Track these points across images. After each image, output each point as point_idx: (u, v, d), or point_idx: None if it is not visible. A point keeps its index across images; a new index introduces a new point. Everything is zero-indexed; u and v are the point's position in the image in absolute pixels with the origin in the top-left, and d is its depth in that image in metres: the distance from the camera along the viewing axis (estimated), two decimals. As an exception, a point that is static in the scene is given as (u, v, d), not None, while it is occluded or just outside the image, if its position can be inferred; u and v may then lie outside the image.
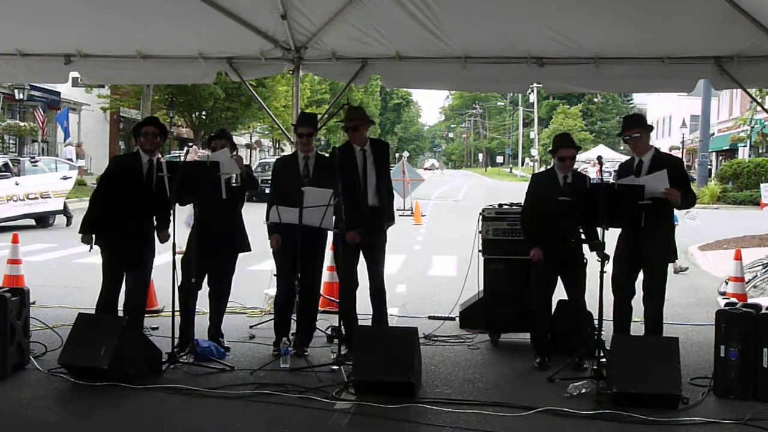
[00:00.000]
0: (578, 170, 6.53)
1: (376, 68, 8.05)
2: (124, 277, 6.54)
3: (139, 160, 6.48)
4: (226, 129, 7.95)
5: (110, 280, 6.48)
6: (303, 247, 6.20)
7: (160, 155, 6.64)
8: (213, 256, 6.53)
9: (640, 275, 6.21)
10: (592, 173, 27.25)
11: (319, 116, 7.81)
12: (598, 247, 5.95)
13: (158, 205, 6.42)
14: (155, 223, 6.58)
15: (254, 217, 6.89)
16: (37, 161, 19.42)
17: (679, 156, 27.96)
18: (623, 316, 6.22)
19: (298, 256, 6.12)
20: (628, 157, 6.62)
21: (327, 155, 6.84)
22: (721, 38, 7.03)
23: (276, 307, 6.78)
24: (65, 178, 18.54)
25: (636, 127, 6.23)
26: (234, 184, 6.37)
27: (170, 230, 6.41)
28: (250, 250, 6.77)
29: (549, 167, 6.66)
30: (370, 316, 6.69)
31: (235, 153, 6.54)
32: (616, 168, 6.83)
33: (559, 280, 6.39)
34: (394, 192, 7.00)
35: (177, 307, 6.15)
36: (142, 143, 6.50)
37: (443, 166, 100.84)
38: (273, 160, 15.11)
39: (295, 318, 6.69)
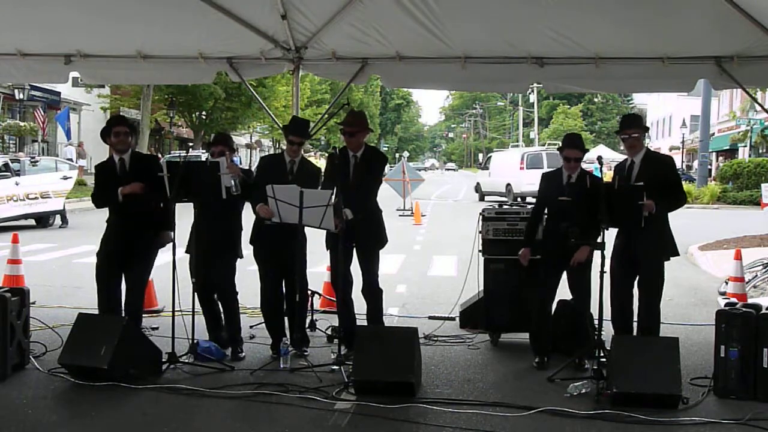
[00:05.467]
0: (587, 171, 6.42)
1: (376, 68, 8.05)
2: (124, 276, 6.56)
3: (112, 162, 6.52)
4: (226, 132, 7.92)
5: (104, 279, 6.49)
6: (283, 247, 6.31)
7: (160, 155, 6.65)
8: (211, 259, 6.54)
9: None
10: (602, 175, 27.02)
11: (319, 116, 7.81)
12: (597, 247, 5.92)
13: (153, 203, 6.45)
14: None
15: (252, 219, 6.88)
16: (37, 161, 19.40)
17: (673, 156, 27.89)
18: (621, 316, 6.21)
19: (285, 257, 6.16)
20: (626, 157, 6.61)
21: (310, 161, 6.81)
22: (721, 38, 7.03)
23: (263, 310, 6.74)
24: (65, 178, 18.54)
25: (635, 127, 6.23)
26: (235, 193, 6.31)
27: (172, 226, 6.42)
28: (241, 256, 6.68)
29: (559, 167, 6.62)
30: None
31: (229, 159, 6.45)
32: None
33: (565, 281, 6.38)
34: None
35: (177, 307, 6.15)
36: (113, 143, 6.48)
37: (443, 165, 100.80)
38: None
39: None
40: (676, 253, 6.24)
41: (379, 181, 6.72)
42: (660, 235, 6.06)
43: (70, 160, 25.93)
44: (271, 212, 6.20)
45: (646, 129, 6.36)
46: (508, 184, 29.87)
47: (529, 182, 28.08)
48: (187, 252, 6.68)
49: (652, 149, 6.47)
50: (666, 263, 6.18)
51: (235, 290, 6.66)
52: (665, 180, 6.04)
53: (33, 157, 20.76)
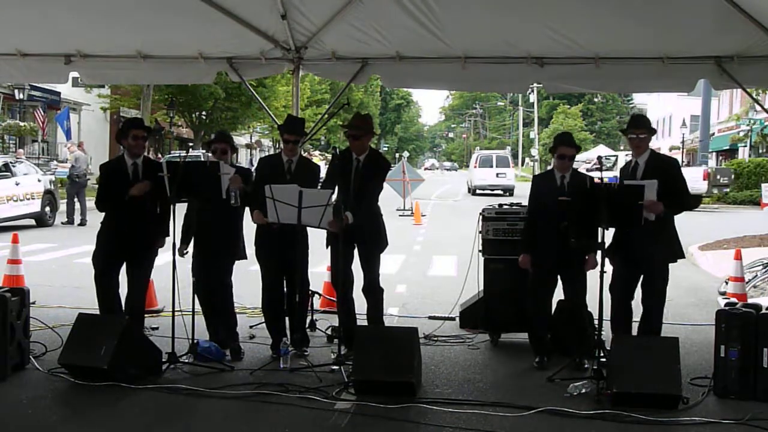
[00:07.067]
0: (578, 170, 6.51)
1: (376, 68, 8.06)
2: (127, 278, 6.58)
3: (124, 165, 6.48)
4: (226, 131, 7.89)
5: (106, 282, 6.49)
6: (284, 247, 6.29)
7: (159, 155, 6.64)
8: (210, 259, 6.53)
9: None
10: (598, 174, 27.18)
11: (319, 116, 7.82)
12: (597, 247, 5.91)
13: (154, 205, 6.44)
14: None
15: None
16: (15, 163, 18.08)
17: (676, 157, 27.84)
18: (621, 316, 6.20)
19: (288, 257, 6.16)
20: (629, 157, 6.62)
21: (309, 159, 6.79)
22: (721, 38, 7.03)
23: (264, 310, 6.73)
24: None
25: (643, 127, 6.22)
26: (233, 204, 6.30)
27: (169, 231, 6.41)
28: (245, 257, 6.68)
29: (549, 168, 6.65)
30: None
31: (233, 171, 6.41)
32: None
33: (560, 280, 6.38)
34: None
35: (177, 307, 6.15)
36: (131, 146, 6.46)
37: (443, 165, 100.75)
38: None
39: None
40: (682, 255, 6.20)
41: (381, 187, 6.67)
42: (665, 237, 6.03)
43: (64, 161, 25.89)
44: (264, 219, 6.21)
45: (654, 131, 6.35)
46: (470, 180, 38.37)
47: (480, 178, 36.38)
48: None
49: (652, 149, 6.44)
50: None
51: (232, 290, 6.64)
52: (670, 182, 5.99)
53: (17, 158, 20.40)
